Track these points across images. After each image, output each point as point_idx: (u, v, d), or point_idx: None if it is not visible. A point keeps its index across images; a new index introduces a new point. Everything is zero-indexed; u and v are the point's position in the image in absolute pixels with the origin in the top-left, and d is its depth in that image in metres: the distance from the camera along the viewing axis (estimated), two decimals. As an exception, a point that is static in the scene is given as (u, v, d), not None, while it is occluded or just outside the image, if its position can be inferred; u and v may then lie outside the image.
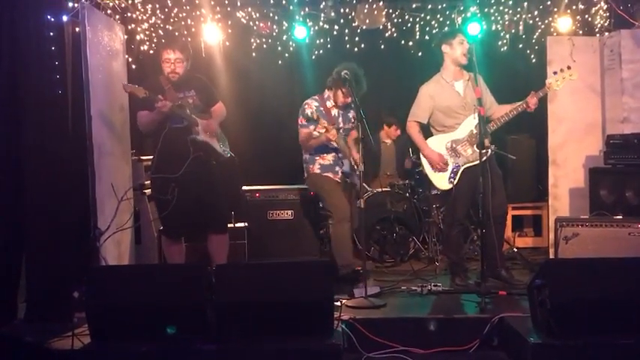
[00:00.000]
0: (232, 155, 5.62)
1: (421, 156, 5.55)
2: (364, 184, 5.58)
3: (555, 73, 5.34)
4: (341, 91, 5.64)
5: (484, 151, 4.97)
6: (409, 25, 7.03)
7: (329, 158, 5.75)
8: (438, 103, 5.44)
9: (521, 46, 7.09)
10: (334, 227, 5.69)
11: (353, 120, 5.81)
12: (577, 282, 3.85)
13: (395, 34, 7.11)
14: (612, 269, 3.97)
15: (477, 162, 5.02)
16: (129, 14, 6.15)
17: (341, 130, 5.71)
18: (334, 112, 5.77)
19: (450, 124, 5.44)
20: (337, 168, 5.75)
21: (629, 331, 3.81)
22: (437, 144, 5.46)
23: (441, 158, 5.39)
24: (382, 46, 7.24)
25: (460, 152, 5.38)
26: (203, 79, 5.63)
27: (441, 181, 5.44)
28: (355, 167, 5.57)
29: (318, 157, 5.75)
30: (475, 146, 5.20)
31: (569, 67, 5.34)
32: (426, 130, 5.61)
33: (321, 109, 5.69)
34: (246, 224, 6.48)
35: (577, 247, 5.19)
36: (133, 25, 6.27)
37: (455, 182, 5.37)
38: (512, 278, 5.42)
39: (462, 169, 5.37)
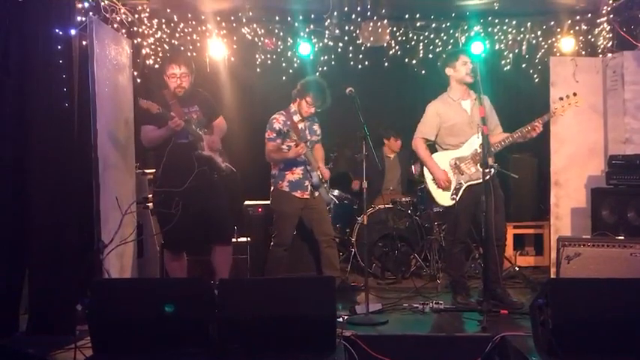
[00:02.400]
0: (233, 170, 5.65)
1: (425, 171, 5.57)
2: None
3: (561, 98, 5.38)
4: (305, 101, 5.71)
5: (487, 170, 4.99)
6: (413, 43, 7.07)
7: (298, 172, 5.79)
8: (445, 121, 5.47)
9: (524, 65, 7.12)
10: (272, 249, 5.88)
11: (318, 132, 5.95)
12: (579, 302, 3.85)
13: (399, 52, 7.14)
14: (614, 289, 3.97)
15: (480, 180, 5.04)
16: (135, 29, 6.20)
17: (308, 143, 5.77)
18: (301, 125, 5.84)
19: (455, 143, 5.46)
20: (306, 183, 5.79)
21: (631, 351, 3.79)
22: (441, 161, 5.49)
23: (446, 176, 5.41)
24: (386, 64, 7.28)
25: (463, 170, 5.40)
26: (205, 93, 5.67)
27: (444, 197, 5.46)
28: (323, 179, 5.77)
29: (287, 173, 5.78)
30: (479, 165, 5.22)
31: (575, 94, 5.37)
32: (431, 148, 5.63)
33: (288, 122, 5.74)
34: (249, 239, 6.48)
35: (579, 267, 5.18)
36: (139, 40, 6.32)
37: (457, 199, 5.38)
38: (508, 297, 5.41)
39: (464, 186, 5.39)
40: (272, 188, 5.91)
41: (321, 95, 5.69)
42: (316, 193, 5.83)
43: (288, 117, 5.79)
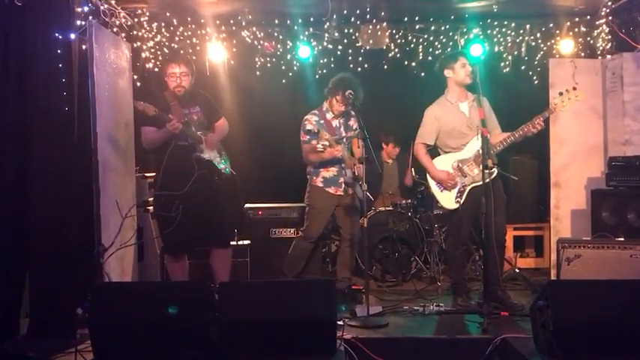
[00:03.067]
0: (233, 173, 5.65)
1: (428, 176, 5.57)
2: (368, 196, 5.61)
3: (561, 93, 5.37)
4: (335, 99, 5.70)
5: (487, 171, 5.00)
6: (412, 45, 7.08)
7: (333, 170, 5.81)
8: (444, 125, 5.47)
9: (523, 67, 7.13)
10: (298, 239, 5.98)
11: (354, 127, 5.88)
12: (580, 303, 3.85)
13: (398, 55, 7.16)
14: (615, 291, 3.97)
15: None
16: (135, 32, 6.21)
17: (344, 140, 5.77)
18: (335, 122, 5.82)
19: (456, 145, 5.47)
20: (340, 180, 5.81)
21: (631, 352, 3.80)
22: (443, 164, 5.49)
23: (450, 176, 5.41)
24: (385, 67, 7.28)
25: (466, 172, 5.40)
26: (207, 95, 5.67)
27: (448, 200, 5.45)
28: (358, 176, 5.67)
29: (322, 170, 5.81)
30: (481, 166, 5.21)
31: (574, 88, 5.37)
32: (433, 151, 5.63)
33: (322, 122, 5.74)
34: (249, 242, 6.49)
35: (579, 269, 5.19)
36: (138, 43, 6.33)
37: (461, 202, 5.38)
38: (508, 299, 5.41)
39: (468, 188, 5.39)
40: (308, 184, 5.95)
41: (354, 90, 5.60)
42: (350, 191, 5.84)
43: (321, 116, 5.80)
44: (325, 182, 5.82)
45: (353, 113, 5.78)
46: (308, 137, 5.67)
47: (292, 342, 3.90)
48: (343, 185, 5.81)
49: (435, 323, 5.08)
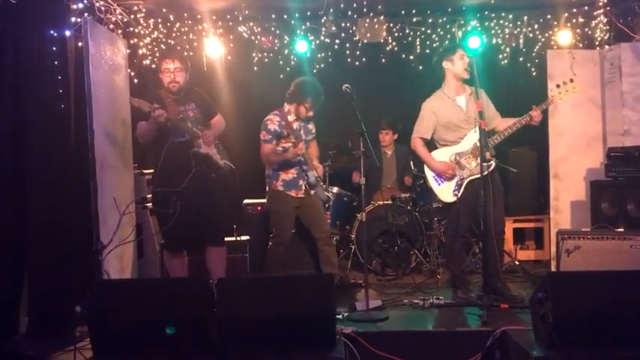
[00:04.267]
0: (232, 167, 5.64)
1: (425, 169, 5.55)
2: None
3: (558, 85, 5.37)
4: (304, 106, 5.69)
5: (485, 164, 4.99)
6: (410, 39, 7.07)
7: (292, 172, 5.76)
8: (441, 119, 5.45)
9: (521, 59, 7.12)
10: (270, 248, 5.87)
11: (313, 131, 5.93)
12: (579, 295, 3.84)
13: (396, 48, 7.14)
14: (614, 282, 3.96)
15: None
16: (131, 29, 6.19)
17: (302, 143, 5.76)
18: (295, 125, 5.80)
19: (453, 139, 5.45)
20: (300, 182, 5.78)
21: (632, 344, 3.79)
22: (441, 157, 5.47)
23: (448, 166, 5.39)
24: (383, 60, 7.27)
25: (464, 165, 5.39)
26: (201, 92, 5.66)
27: (446, 194, 5.44)
28: (319, 177, 5.78)
29: (281, 172, 5.76)
30: (479, 159, 5.20)
31: (571, 80, 5.36)
32: (430, 145, 5.62)
33: (283, 123, 5.72)
34: (248, 238, 6.48)
35: (579, 260, 5.18)
36: (135, 40, 6.32)
37: (459, 195, 5.37)
38: (508, 291, 5.40)
39: (466, 181, 5.38)
40: (267, 188, 5.90)
41: (319, 98, 5.68)
42: (312, 192, 5.83)
43: (282, 117, 5.76)
44: (285, 185, 5.76)
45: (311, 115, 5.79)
46: (270, 137, 5.62)
47: (292, 337, 3.89)
48: (304, 187, 5.78)
49: (434, 316, 5.07)
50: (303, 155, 5.64)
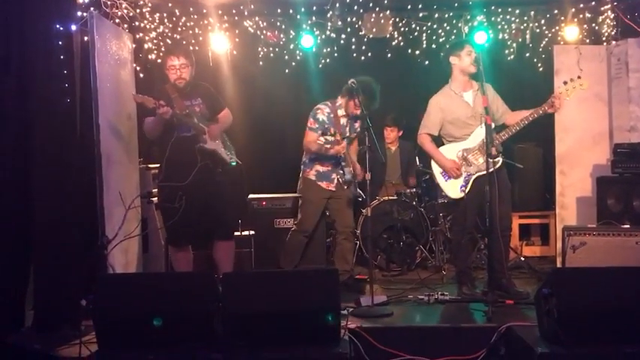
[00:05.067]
0: (238, 162, 5.64)
1: (432, 165, 5.53)
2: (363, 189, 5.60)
3: (565, 82, 5.33)
4: (354, 102, 5.64)
5: (492, 160, 4.98)
6: (416, 33, 7.05)
7: (328, 165, 5.79)
8: (448, 115, 5.43)
9: (528, 54, 7.10)
10: (292, 233, 5.97)
11: (358, 130, 5.88)
12: (585, 291, 3.84)
13: (402, 43, 7.13)
14: (620, 278, 3.96)
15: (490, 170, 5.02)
16: (137, 23, 6.19)
17: (346, 139, 5.75)
18: (343, 120, 5.79)
19: (460, 135, 5.43)
20: (334, 175, 5.79)
21: (637, 340, 3.79)
22: (448, 153, 5.44)
23: (456, 164, 5.37)
24: (389, 55, 7.25)
25: (471, 161, 5.36)
26: (208, 86, 5.65)
27: (453, 190, 5.41)
28: (355, 177, 5.70)
29: (317, 163, 5.80)
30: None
31: (579, 77, 5.33)
32: (437, 141, 5.60)
33: (332, 115, 5.71)
34: (253, 232, 6.48)
35: (584, 256, 5.18)
36: (141, 34, 6.31)
37: (467, 191, 5.36)
38: (513, 287, 5.39)
39: (473, 177, 5.35)
40: (300, 174, 5.94)
41: (373, 100, 5.61)
42: (346, 188, 5.83)
43: (332, 109, 5.76)
44: (318, 176, 5.80)
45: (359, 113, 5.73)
46: (316, 126, 5.64)
47: (296, 332, 3.90)
48: (336, 181, 5.79)
49: (439, 312, 5.07)
50: (345, 154, 5.63)
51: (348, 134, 5.79)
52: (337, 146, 5.51)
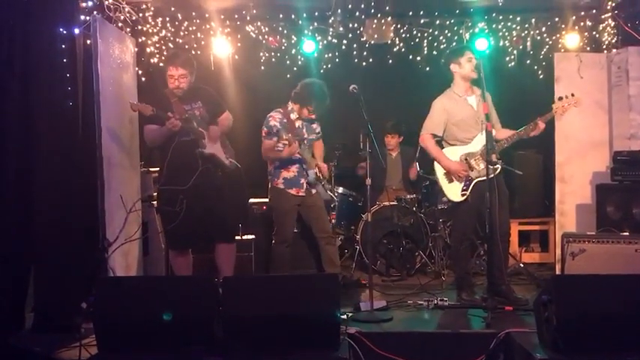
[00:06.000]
0: (238, 166, 5.65)
1: (436, 167, 5.54)
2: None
3: (561, 98, 5.37)
4: (307, 109, 5.73)
5: (491, 167, 4.99)
6: (417, 40, 7.07)
7: (293, 170, 5.79)
8: (452, 117, 5.43)
9: (528, 62, 7.11)
10: (274, 246, 5.92)
11: (317, 130, 5.95)
12: (584, 298, 3.84)
13: (403, 49, 7.15)
14: (619, 286, 3.96)
15: (490, 176, 5.03)
16: (139, 27, 6.21)
17: (305, 142, 5.79)
18: (298, 123, 5.84)
19: (462, 138, 5.43)
20: (302, 180, 5.80)
21: (636, 348, 3.79)
22: (451, 156, 5.44)
23: (462, 166, 5.38)
24: (390, 61, 7.28)
25: (473, 166, 5.37)
26: (209, 89, 5.67)
27: (455, 192, 5.42)
28: (320, 177, 5.79)
29: (282, 170, 5.79)
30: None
31: (573, 95, 5.35)
32: (438, 144, 5.61)
33: (285, 121, 5.75)
34: (253, 237, 6.49)
35: (584, 263, 5.18)
36: (143, 38, 6.34)
37: (468, 195, 5.37)
38: (512, 294, 5.39)
39: (474, 182, 5.37)
40: (269, 185, 5.94)
41: (324, 103, 5.70)
42: (313, 191, 5.85)
43: (285, 115, 5.80)
44: (286, 183, 5.79)
45: (314, 117, 5.84)
46: (269, 133, 5.65)
47: (296, 336, 3.90)
48: (305, 186, 5.80)
49: (439, 318, 5.07)
50: (302, 154, 5.65)
51: (305, 136, 5.83)
52: (288, 148, 5.51)
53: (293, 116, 5.82)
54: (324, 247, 5.91)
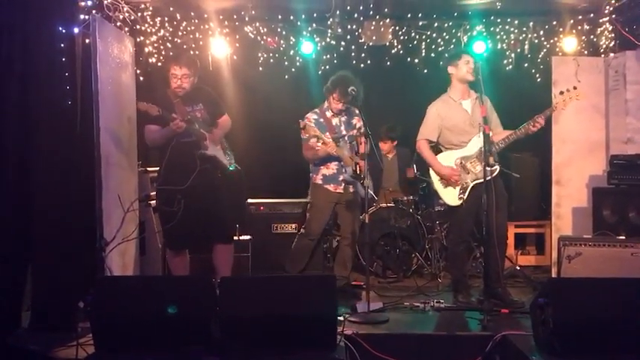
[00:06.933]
0: (237, 167, 5.66)
1: (431, 172, 5.56)
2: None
3: (562, 92, 5.39)
4: (332, 97, 5.76)
5: (489, 169, 5.00)
6: (415, 42, 7.07)
7: (332, 167, 5.87)
8: (446, 122, 5.47)
9: (526, 65, 7.12)
10: (299, 237, 6.05)
11: (358, 126, 5.93)
12: (580, 301, 3.85)
13: (401, 51, 7.14)
14: (615, 289, 3.98)
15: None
16: (138, 27, 6.21)
17: (346, 137, 5.81)
18: (335, 120, 5.86)
19: (457, 142, 5.47)
20: (340, 177, 5.85)
21: (631, 350, 3.80)
22: (446, 160, 5.48)
23: (454, 171, 5.41)
24: (388, 63, 7.27)
25: (469, 169, 5.40)
26: (210, 91, 5.68)
27: (451, 197, 5.45)
28: (359, 174, 5.59)
29: (322, 167, 5.88)
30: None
31: (575, 88, 5.37)
32: (434, 148, 5.64)
33: (321, 120, 5.78)
34: (251, 237, 6.50)
35: (580, 267, 5.20)
36: (142, 38, 6.33)
37: (465, 198, 5.38)
38: (508, 296, 5.42)
39: (470, 185, 5.39)
40: (310, 181, 6.02)
41: (347, 88, 5.62)
42: (351, 189, 5.87)
43: (321, 114, 5.87)
44: (325, 180, 5.87)
45: (357, 112, 5.82)
46: (307, 136, 5.65)
47: (293, 337, 3.90)
48: (343, 183, 5.81)
49: (435, 320, 5.09)
50: (338, 152, 5.66)
51: (344, 132, 5.85)
52: (324, 147, 5.54)
53: (328, 114, 5.88)
54: (343, 247, 5.99)
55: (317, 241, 6.06)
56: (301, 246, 5.97)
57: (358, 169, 5.59)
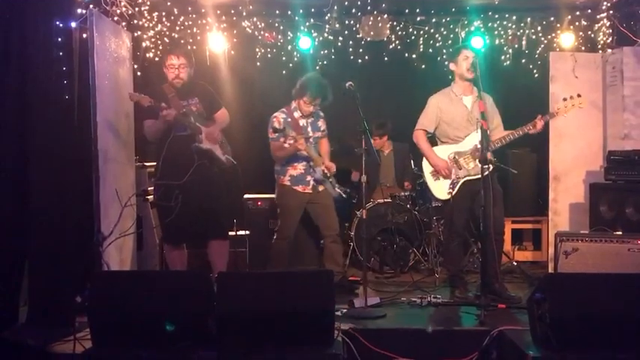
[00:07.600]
0: (234, 162, 5.65)
1: (424, 164, 5.57)
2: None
3: (565, 99, 5.38)
4: (302, 101, 5.75)
5: (486, 166, 5.01)
6: (413, 37, 7.08)
7: (300, 167, 5.82)
8: (445, 115, 5.48)
9: (524, 61, 7.14)
10: (274, 241, 5.92)
11: (323, 128, 5.96)
12: (577, 297, 3.87)
13: (399, 47, 7.16)
14: (611, 285, 3.99)
15: (478, 176, 5.05)
16: (135, 21, 6.19)
17: (310, 139, 5.80)
18: (302, 122, 5.85)
19: (453, 136, 5.48)
20: (308, 177, 5.82)
21: (628, 345, 3.82)
22: (440, 153, 5.49)
23: (446, 164, 5.42)
24: (386, 58, 7.29)
25: (462, 165, 5.41)
26: (206, 86, 5.67)
27: (440, 191, 5.47)
28: (327, 174, 5.77)
29: (289, 168, 5.82)
30: (477, 161, 5.22)
31: (579, 95, 5.37)
32: (431, 141, 5.64)
33: (289, 120, 5.75)
34: (248, 232, 6.50)
35: (576, 262, 5.21)
36: (139, 33, 6.32)
37: (453, 193, 5.39)
38: (505, 292, 5.43)
39: (461, 181, 5.40)
40: (276, 183, 5.95)
41: (319, 93, 5.71)
42: (320, 188, 5.85)
43: (289, 114, 5.82)
44: (292, 181, 5.82)
45: (322, 114, 5.87)
46: (276, 135, 5.62)
47: (290, 332, 3.91)
48: (311, 183, 5.82)
49: (432, 315, 5.08)
50: (307, 151, 5.66)
51: (311, 134, 5.84)
52: (294, 143, 5.50)
53: (296, 114, 5.84)
54: (328, 244, 5.93)
55: (292, 242, 5.96)
56: (278, 250, 5.87)
57: (326, 169, 5.74)
